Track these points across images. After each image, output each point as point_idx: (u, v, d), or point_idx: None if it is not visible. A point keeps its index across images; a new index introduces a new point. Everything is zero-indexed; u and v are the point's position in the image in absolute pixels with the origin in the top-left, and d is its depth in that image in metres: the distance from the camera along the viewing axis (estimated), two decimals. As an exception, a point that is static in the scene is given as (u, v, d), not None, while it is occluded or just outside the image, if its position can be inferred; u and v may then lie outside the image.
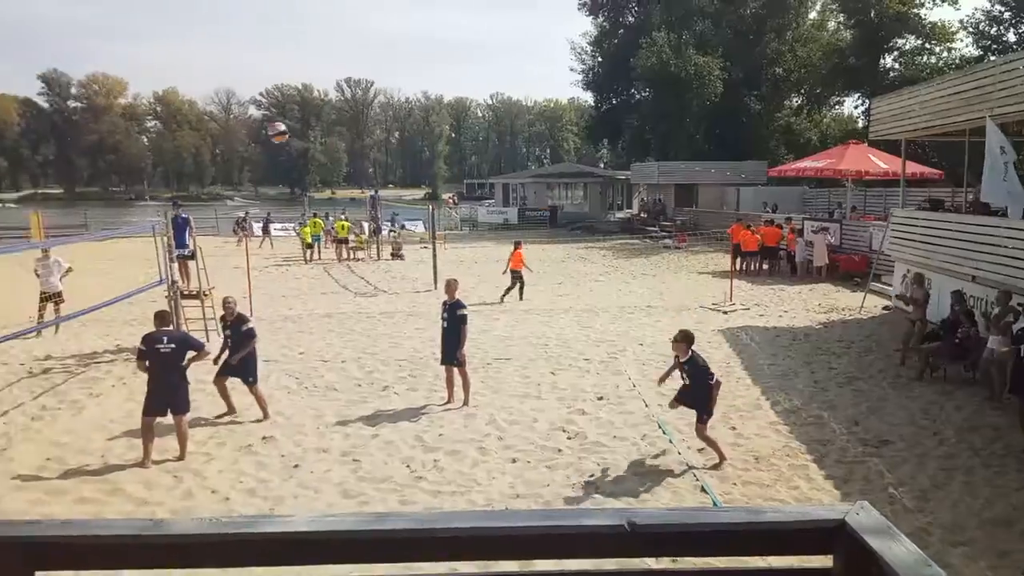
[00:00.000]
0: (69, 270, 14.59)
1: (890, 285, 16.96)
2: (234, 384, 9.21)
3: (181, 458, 7.82)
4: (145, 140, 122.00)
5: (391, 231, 32.09)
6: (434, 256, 20.50)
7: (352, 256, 27.20)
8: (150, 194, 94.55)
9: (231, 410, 9.23)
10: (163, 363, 7.76)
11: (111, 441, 8.36)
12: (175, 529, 1.77)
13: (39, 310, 13.86)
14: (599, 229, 38.87)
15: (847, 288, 19.09)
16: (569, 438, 8.44)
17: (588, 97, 56.24)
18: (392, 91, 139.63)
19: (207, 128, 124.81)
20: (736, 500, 6.78)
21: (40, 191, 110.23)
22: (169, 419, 7.86)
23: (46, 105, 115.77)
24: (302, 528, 1.62)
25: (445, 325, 9.68)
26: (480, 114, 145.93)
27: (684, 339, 7.69)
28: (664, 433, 8.50)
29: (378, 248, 28.03)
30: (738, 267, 21.28)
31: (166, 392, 7.76)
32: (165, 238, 12.52)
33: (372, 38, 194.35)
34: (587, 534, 1.39)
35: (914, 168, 21.91)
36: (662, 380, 8.32)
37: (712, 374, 7.69)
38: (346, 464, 7.74)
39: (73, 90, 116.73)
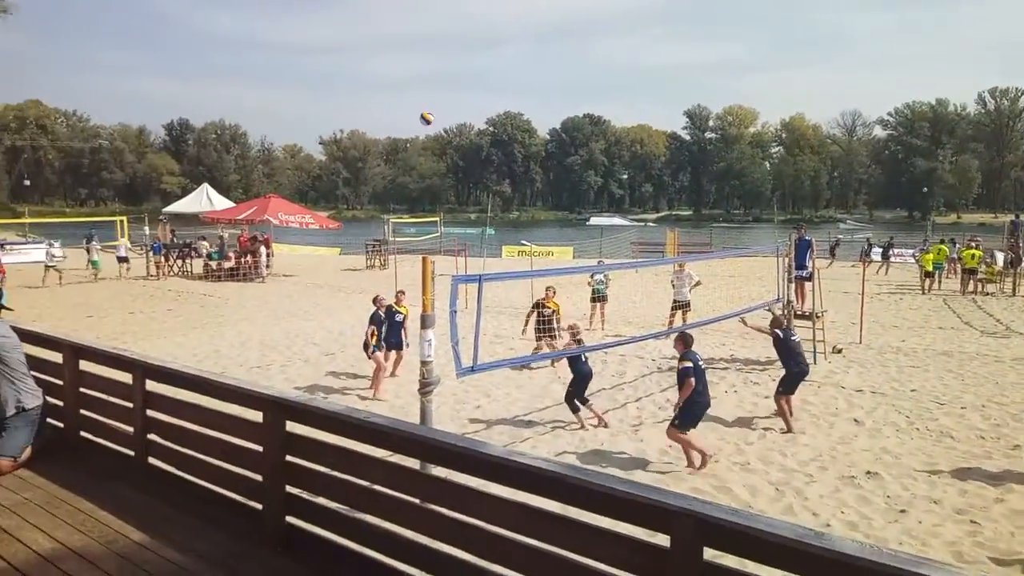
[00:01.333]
0: (698, 283, 16.47)
1: None
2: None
3: (700, 465, 8.30)
4: (767, 165, 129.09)
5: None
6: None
7: (980, 289, 23.81)
8: (767, 216, 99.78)
9: (789, 428, 9.59)
10: (704, 381, 8.54)
11: (720, 441, 9.20)
12: (837, 546, 1.76)
13: (670, 316, 16.04)
14: None
15: None
16: None
17: None
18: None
19: (828, 151, 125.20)
20: None
21: (673, 213, 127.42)
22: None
23: (687, 137, 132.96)
24: None
25: None
26: None
27: None
28: None
29: (1015, 282, 23.85)
30: None
31: (703, 407, 8.49)
32: (787, 259, 13.10)
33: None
34: None
35: None
36: None
37: None
38: (961, 524, 6.89)
39: (711, 122, 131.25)
